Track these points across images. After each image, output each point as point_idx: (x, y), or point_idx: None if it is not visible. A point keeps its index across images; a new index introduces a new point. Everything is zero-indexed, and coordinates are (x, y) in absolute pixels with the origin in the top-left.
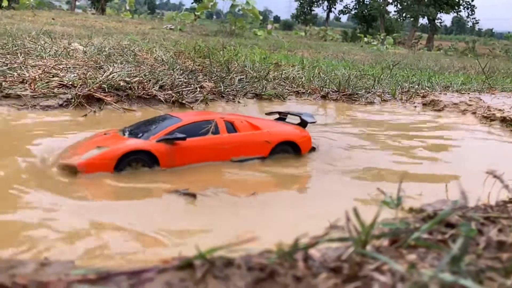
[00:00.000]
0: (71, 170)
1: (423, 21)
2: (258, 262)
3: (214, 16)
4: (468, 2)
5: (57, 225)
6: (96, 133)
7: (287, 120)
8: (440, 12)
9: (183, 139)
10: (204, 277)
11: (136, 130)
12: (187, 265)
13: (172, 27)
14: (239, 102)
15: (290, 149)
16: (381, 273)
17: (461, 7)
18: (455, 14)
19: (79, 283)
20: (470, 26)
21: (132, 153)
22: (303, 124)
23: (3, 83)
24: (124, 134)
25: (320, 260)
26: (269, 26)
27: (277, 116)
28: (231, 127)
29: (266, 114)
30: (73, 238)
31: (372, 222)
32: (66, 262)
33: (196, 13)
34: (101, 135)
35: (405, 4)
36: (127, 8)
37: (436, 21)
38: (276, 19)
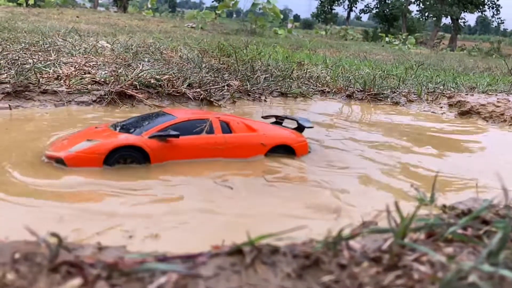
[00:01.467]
0: (58, 163)
1: (446, 20)
2: (303, 250)
3: (234, 15)
4: (493, 1)
5: (106, 213)
6: (87, 127)
7: (283, 124)
8: (464, 12)
9: (176, 136)
10: (253, 263)
11: (128, 125)
12: (236, 251)
13: (194, 25)
14: (265, 100)
15: (286, 153)
16: (420, 264)
17: (486, 6)
18: (480, 14)
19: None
20: (495, 26)
21: (122, 149)
22: (300, 128)
23: (40, 80)
24: (115, 129)
25: (360, 250)
26: (289, 25)
27: (273, 119)
28: (227, 128)
29: (263, 117)
30: (118, 225)
31: (412, 214)
32: (119, 247)
33: (217, 11)
34: (92, 128)
35: (428, 3)
36: (149, 6)
37: (459, 20)
38: (296, 18)
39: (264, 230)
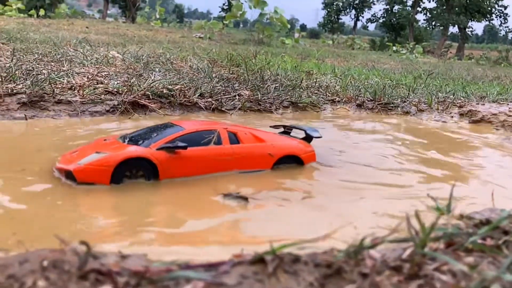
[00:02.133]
0: (67, 177)
1: (453, 29)
2: (324, 259)
3: (241, 25)
4: (501, 10)
5: (128, 225)
6: (96, 139)
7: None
8: (471, 21)
9: (184, 148)
10: (275, 272)
11: (136, 137)
12: (258, 260)
13: (202, 35)
14: (276, 110)
15: (294, 163)
16: (441, 273)
17: (494, 15)
18: (487, 23)
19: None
20: (503, 35)
21: (131, 161)
22: (308, 138)
23: (55, 90)
24: (124, 141)
25: (380, 259)
26: (296, 35)
27: (281, 129)
28: (234, 138)
29: (271, 127)
30: (141, 236)
31: (432, 224)
32: (140, 255)
33: (225, 21)
34: (101, 140)
35: (435, 12)
36: (157, 16)
37: (467, 29)
38: (303, 27)
39: (283, 239)
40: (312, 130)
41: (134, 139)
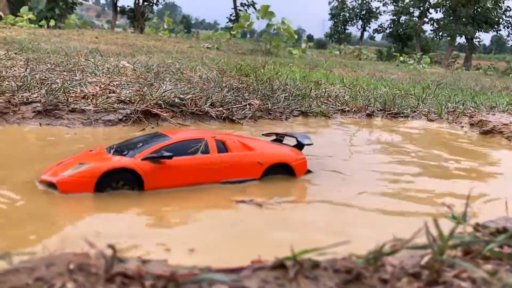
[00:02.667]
0: (51, 187)
1: (460, 40)
2: (344, 265)
3: (248, 35)
4: (508, 21)
5: (145, 235)
6: (82, 151)
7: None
8: (479, 31)
9: (169, 157)
10: (296, 277)
11: (122, 148)
12: (279, 265)
13: (209, 45)
14: (286, 119)
15: (284, 171)
16: (461, 280)
17: (501, 26)
18: (495, 33)
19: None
20: (511, 45)
21: (116, 172)
22: (299, 146)
23: (69, 99)
24: (109, 152)
25: (398, 266)
26: (303, 45)
27: (274, 137)
28: (223, 147)
29: (263, 135)
30: (160, 244)
31: (450, 231)
32: (160, 260)
33: (232, 32)
34: (87, 152)
35: (442, 23)
36: (165, 27)
37: (474, 40)
38: (310, 38)
39: (300, 245)
40: (303, 137)
41: (119, 150)
